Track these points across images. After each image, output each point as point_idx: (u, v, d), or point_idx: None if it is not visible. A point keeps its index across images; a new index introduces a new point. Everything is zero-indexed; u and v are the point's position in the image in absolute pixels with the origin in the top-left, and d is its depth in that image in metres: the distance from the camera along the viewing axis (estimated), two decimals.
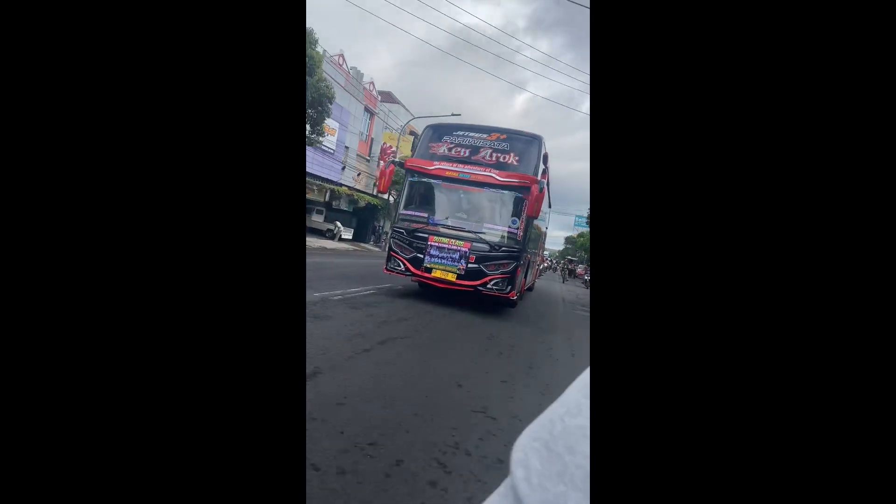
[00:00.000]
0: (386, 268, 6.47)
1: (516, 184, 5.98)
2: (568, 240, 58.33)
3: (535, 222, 7.79)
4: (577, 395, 0.30)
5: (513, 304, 7.06)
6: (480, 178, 6.07)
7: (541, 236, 10.94)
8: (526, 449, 0.29)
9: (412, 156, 6.73)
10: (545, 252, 24.52)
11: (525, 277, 7.75)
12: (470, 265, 5.97)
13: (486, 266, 5.95)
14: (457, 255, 6.01)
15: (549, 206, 13.04)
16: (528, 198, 5.89)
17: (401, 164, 6.60)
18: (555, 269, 18.58)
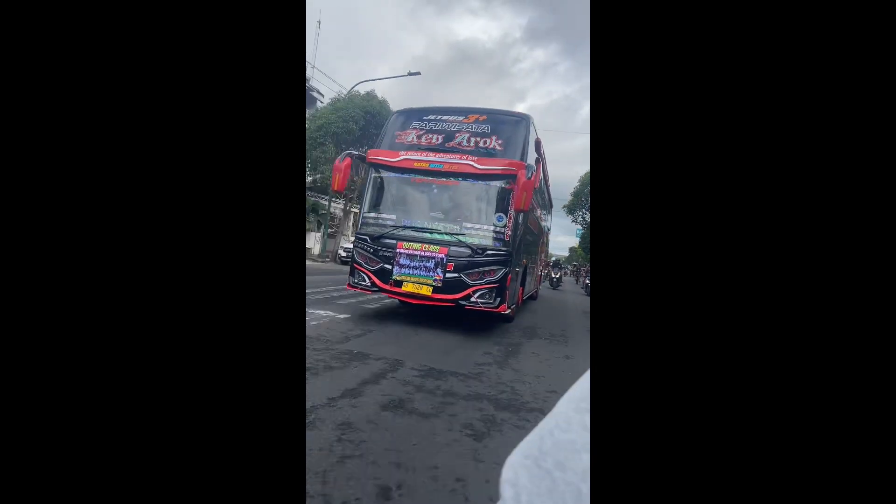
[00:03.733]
0: (349, 283, 5.33)
1: (499, 171, 4.84)
2: (571, 249, 59.34)
3: (533, 219, 6.64)
4: (568, 408, 0.29)
5: (508, 318, 5.88)
6: (455, 168, 4.94)
7: (541, 236, 9.56)
8: (516, 467, 0.28)
9: (377, 146, 5.61)
10: (553, 258, 22.79)
11: (522, 285, 6.56)
12: (448, 275, 4.81)
13: (468, 275, 4.79)
14: (431, 264, 4.87)
15: (551, 205, 11.87)
16: (514, 187, 4.74)
17: (361, 157, 5.49)
18: (559, 276, 17.04)
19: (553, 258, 23.87)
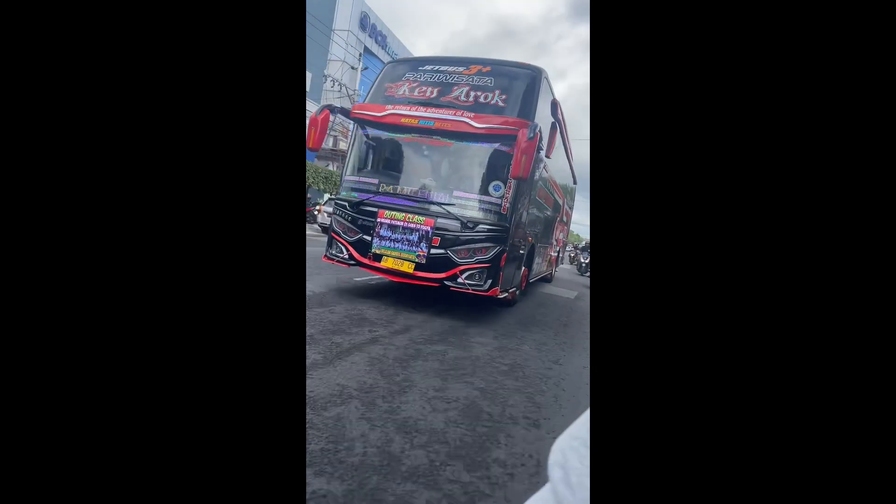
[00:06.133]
0: (325, 255, 4.75)
1: (498, 131, 4.07)
2: None
3: (546, 192, 5.85)
4: None
5: (507, 303, 5.20)
6: (449, 126, 4.20)
7: (557, 213, 8.42)
8: (564, 450, 0.29)
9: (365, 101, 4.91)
10: (583, 242, 21.43)
11: (528, 266, 5.84)
12: (433, 250, 4.16)
13: (455, 252, 4.12)
14: (415, 237, 4.21)
15: (574, 181, 10.87)
16: (514, 151, 3.97)
17: (345, 112, 4.81)
18: (588, 261, 16.04)
19: (583, 242, 22.63)
